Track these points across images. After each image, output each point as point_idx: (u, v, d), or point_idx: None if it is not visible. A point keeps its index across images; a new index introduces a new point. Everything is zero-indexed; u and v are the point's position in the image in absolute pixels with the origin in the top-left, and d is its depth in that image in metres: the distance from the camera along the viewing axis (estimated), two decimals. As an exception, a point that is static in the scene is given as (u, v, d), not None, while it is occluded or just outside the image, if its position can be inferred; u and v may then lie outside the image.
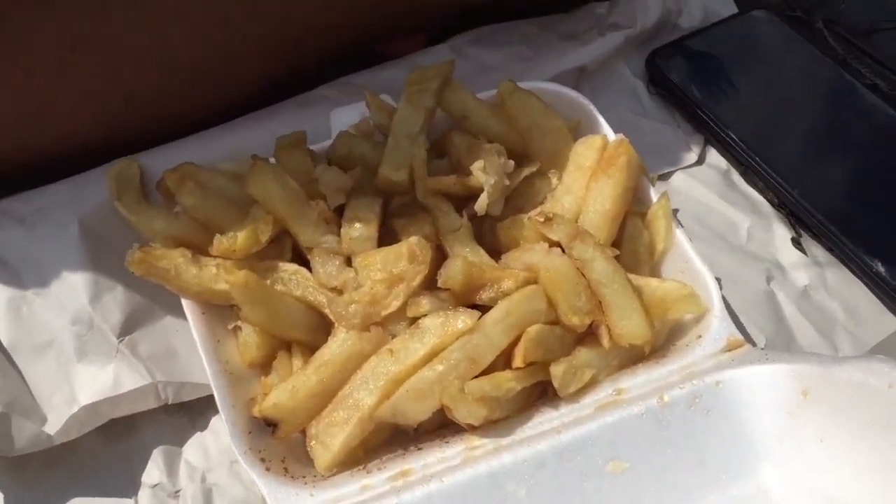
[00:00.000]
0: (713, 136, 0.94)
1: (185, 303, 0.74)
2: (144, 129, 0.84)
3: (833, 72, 0.95)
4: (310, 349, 0.73)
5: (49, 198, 0.81)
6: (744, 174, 0.92)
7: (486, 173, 0.75)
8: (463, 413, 0.67)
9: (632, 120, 0.95)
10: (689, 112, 0.95)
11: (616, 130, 0.83)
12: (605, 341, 0.72)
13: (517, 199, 0.80)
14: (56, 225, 0.79)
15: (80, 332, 0.76)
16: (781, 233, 0.88)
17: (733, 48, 0.99)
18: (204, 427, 0.77)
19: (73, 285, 0.77)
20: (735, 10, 1.03)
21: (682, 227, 0.79)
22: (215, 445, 0.76)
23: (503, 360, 0.71)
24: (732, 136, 0.92)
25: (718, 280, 0.77)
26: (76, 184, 0.81)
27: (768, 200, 0.90)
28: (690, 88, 0.95)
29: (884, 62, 0.96)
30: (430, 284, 0.73)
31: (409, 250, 0.71)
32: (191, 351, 0.75)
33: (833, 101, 0.94)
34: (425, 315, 0.70)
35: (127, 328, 0.77)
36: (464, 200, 0.78)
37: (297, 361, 0.73)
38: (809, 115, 0.94)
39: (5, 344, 0.74)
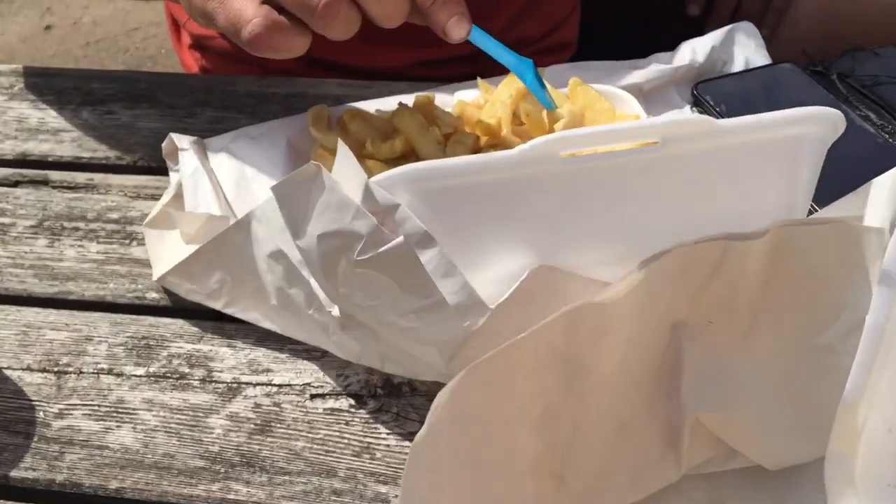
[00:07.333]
0: (736, 144, 1.27)
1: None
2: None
3: (835, 105, 1.27)
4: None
5: (269, 125, 1.25)
6: (753, 168, 1.24)
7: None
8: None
9: (675, 129, 1.29)
10: (721, 127, 1.29)
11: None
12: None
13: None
14: (272, 141, 1.23)
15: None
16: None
17: (761, 86, 1.32)
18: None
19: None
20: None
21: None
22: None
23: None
24: (748, 141, 1.24)
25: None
26: (288, 119, 1.26)
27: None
28: (724, 112, 1.29)
29: (876, 101, 1.27)
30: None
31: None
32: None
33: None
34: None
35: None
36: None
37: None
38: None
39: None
